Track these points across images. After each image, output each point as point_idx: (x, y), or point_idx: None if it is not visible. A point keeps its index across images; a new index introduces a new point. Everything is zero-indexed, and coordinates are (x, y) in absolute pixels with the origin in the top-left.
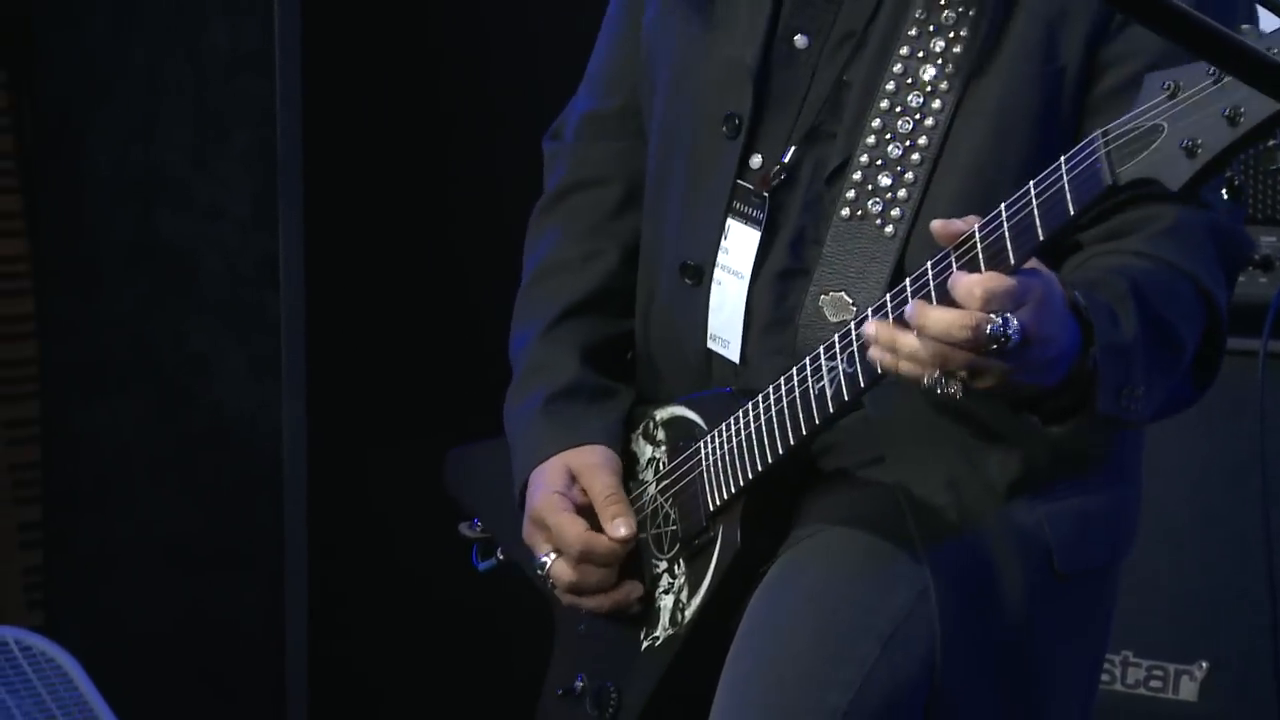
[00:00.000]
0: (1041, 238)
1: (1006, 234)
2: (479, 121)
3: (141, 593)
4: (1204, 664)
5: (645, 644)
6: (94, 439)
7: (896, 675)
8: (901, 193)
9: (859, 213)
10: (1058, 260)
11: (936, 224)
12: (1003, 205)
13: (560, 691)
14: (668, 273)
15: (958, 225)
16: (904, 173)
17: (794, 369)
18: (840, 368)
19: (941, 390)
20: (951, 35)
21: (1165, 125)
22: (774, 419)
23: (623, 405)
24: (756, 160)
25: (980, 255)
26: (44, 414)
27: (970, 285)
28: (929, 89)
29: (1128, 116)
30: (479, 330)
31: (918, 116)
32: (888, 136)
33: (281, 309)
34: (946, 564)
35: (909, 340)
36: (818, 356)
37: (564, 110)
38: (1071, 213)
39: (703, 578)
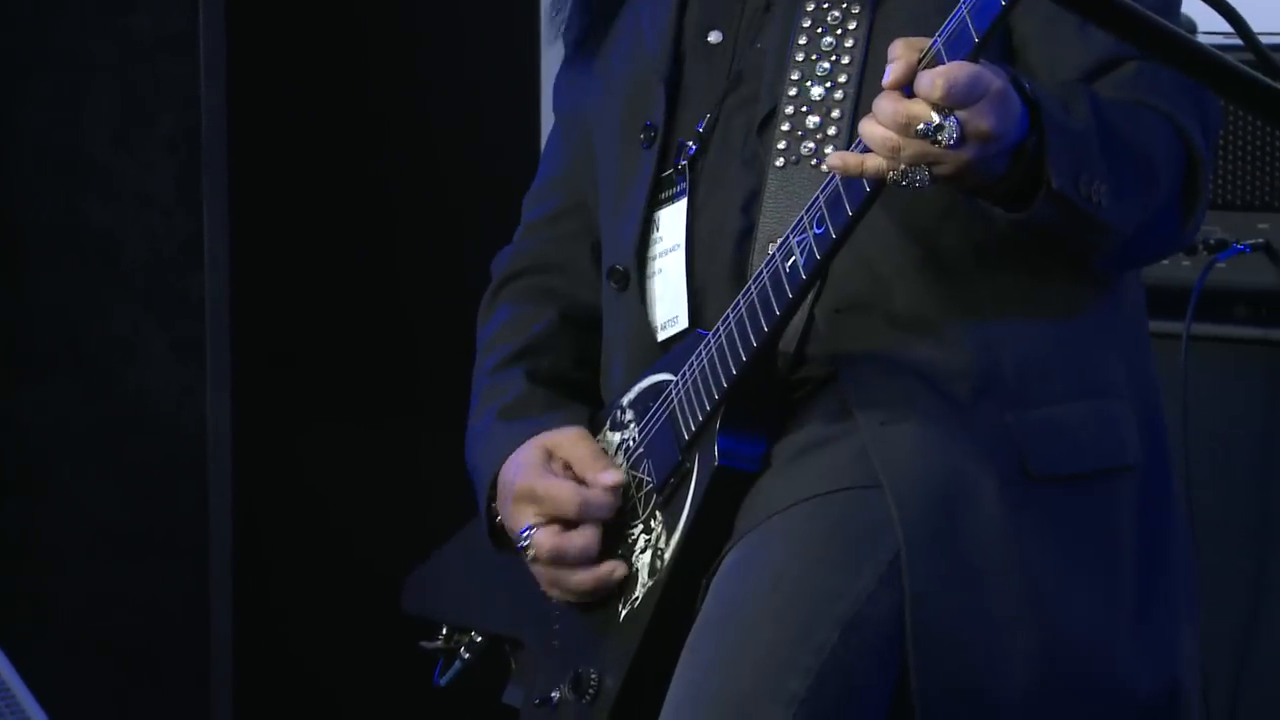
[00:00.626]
0: (978, 39)
1: (943, 51)
2: (404, 104)
3: (65, 577)
4: None
5: (624, 612)
6: (17, 423)
7: (856, 658)
8: (831, 129)
9: (793, 159)
10: None
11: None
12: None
13: (537, 701)
14: (603, 285)
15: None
16: (830, 110)
17: (760, 267)
18: (810, 235)
19: (907, 182)
20: None
21: None
22: (744, 320)
23: (581, 409)
24: (688, 143)
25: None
26: None
27: (932, 76)
28: (839, 28)
29: None
30: (405, 314)
31: (833, 56)
32: (808, 83)
33: (206, 293)
34: (913, 498)
35: (876, 128)
36: (785, 240)
37: None
38: (976, 40)
39: (680, 511)
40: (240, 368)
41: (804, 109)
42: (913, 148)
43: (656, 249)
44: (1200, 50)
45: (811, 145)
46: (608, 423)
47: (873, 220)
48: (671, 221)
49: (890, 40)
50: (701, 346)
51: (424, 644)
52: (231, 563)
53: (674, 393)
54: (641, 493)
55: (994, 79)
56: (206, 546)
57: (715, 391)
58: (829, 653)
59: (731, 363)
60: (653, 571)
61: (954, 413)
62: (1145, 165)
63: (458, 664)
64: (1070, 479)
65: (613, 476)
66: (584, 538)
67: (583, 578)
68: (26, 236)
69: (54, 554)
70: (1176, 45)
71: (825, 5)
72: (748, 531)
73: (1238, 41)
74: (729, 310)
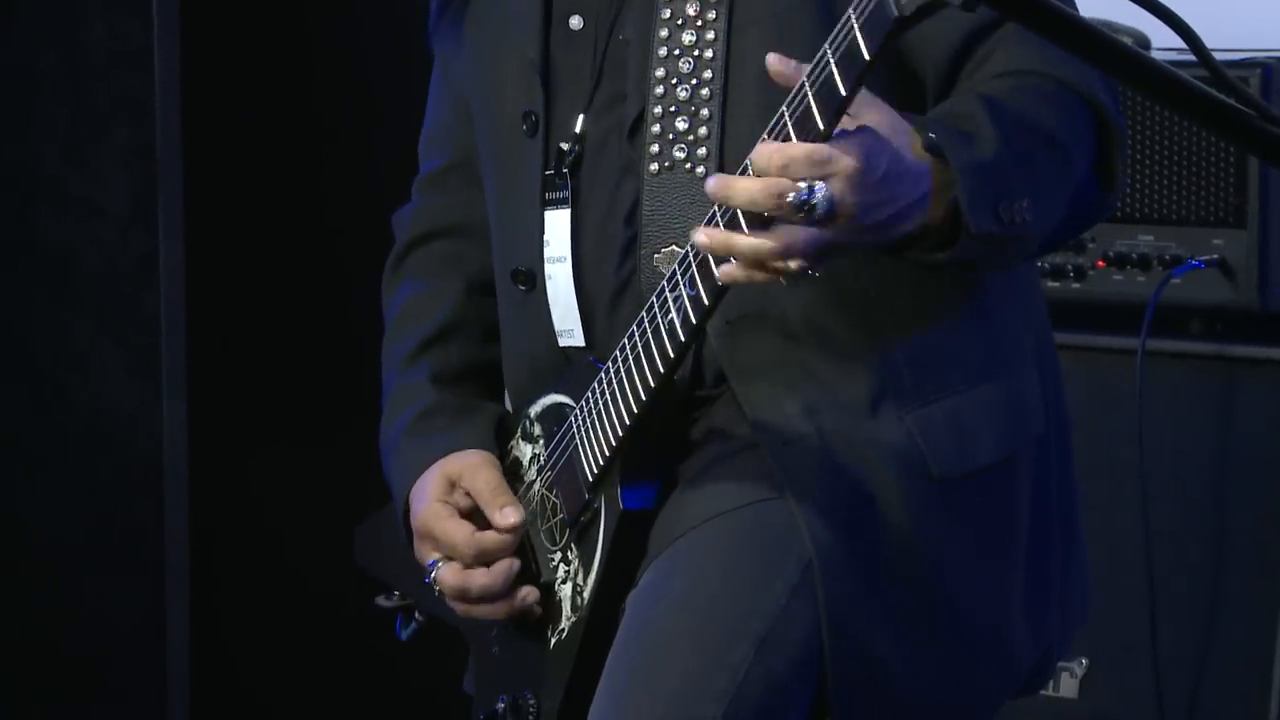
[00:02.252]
0: (844, 92)
1: (811, 99)
2: (357, 119)
3: (19, 593)
4: (1084, 661)
5: (554, 641)
6: None
7: (773, 675)
8: (701, 130)
9: (667, 164)
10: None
11: (772, 59)
12: (804, 71)
13: (483, 716)
14: (504, 285)
15: (790, 74)
16: (697, 110)
17: (642, 313)
18: (683, 293)
19: (795, 278)
20: None
21: None
22: (631, 369)
23: (489, 418)
24: (565, 146)
25: (789, 126)
26: None
27: (768, 153)
28: (698, 22)
29: None
30: (359, 329)
31: (695, 53)
32: (674, 82)
33: (161, 307)
34: (820, 511)
35: (742, 239)
36: (662, 290)
37: None
38: (867, 57)
39: (594, 551)
40: (195, 382)
41: (672, 109)
42: (787, 212)
43: (547, 252)
44: (1154, 66)
45: (684, 150)
46: (519, 432)
47: None
48: (557, 228)
49: (750, 35)
50: (596, 382)
51: (380, 601)
52: (187, 578)
53: (575, 426)
54: (555, 519)
55: (844, 156)
56: (162, 562)
57: (613, 436)
58: (744, 673)
59: (624, 410)
60: (574, 606)
61: (853, 421)
62: (1058, 152)
63: (414, 625)
64: (972, 474)
65: (512, 516)
66: (487, 576)
67: (494, 609)
68: None
69: (7, 569)
70: (1128, 61)
71: None
72: (660, 550)
73: (1192, 58)
74: (618, 352)
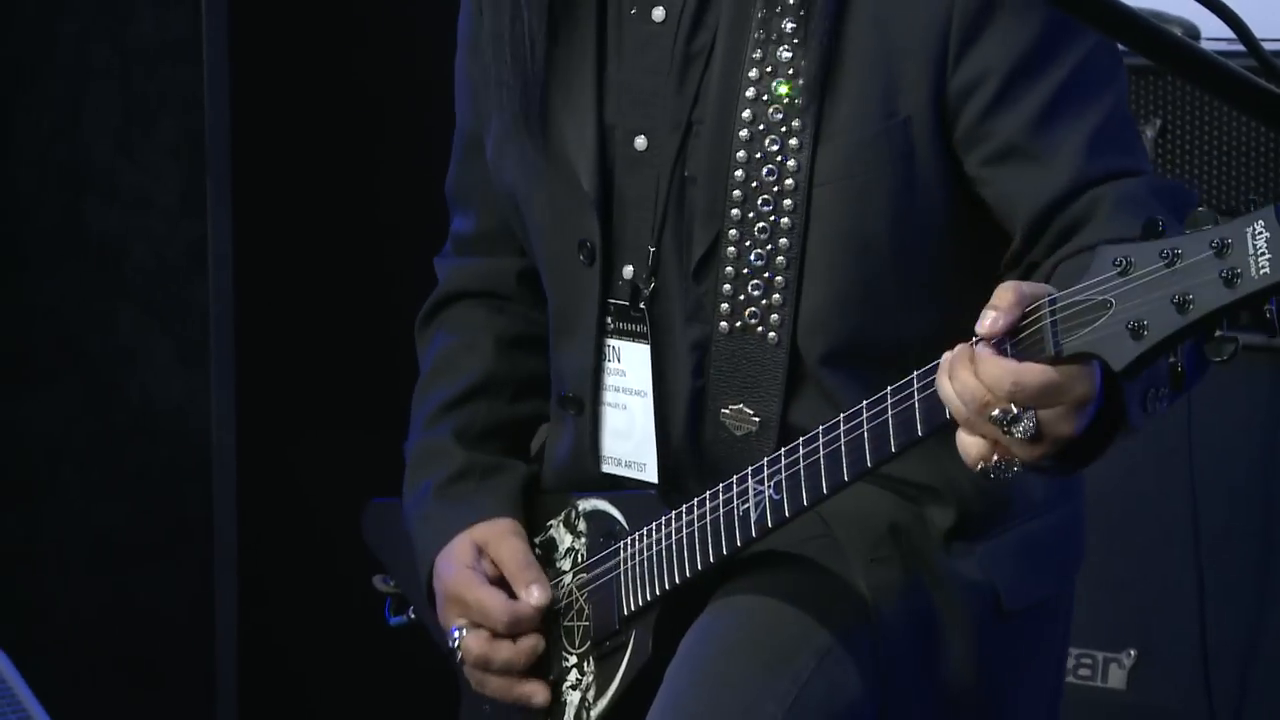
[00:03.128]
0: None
1: (1050, 331)
2: (406, 108)
3: (69, 584)
4: (1132, 652)
5: None
6: (21, 430)
7: (834, 690)
8: (775, 297)
9: (738, 324)
10: (1023, 276)
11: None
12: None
13: None
14: (554, 403)
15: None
16: (772, 277)
17: (720, 486)
18: (767, 493)
19: (996, 475)
20: (785, 114)
21: (1113, 302)
22: (695, 535)
23: (515, 478)
24: (628, 271)
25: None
26: None
27: (1003, 371)
28: (775, 186)
29: (1078, 288)
30: (409, 318)
31: (772, 218)
32: (747, 244)
33: (210, 298)
34: (889, 599)
35: (945, 388)
36: (745, 477)
37: None
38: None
39: (611, 681)
40: (244, 372)
41: (744, 271)
42: (985, 430)
43: (615, 380)
44: (1203, 56)
45: (756, 314)
46: (562, 517)
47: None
48: (634, 361)
49: (827, 191)
50: (656, 526)
51: (377, 582)
52: (236, 569)
53: (623, 553)
54: (580, 622)
55: (1077, 386)
56: (211, 553)
57: (658, 587)
58: (807, 678)
59: (677, 570)
60: (578, 718)
61: (930, 548)
62: None
63: (404, 619)
64: (1039, 604)
65: (537, 596)
66: (510, 650)
67: (504, 686)
68: (29, 243)
69: (58, 561)
70: (1177, 50)
71: (760, 138)
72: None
73: (1241, 47)
74: (685, 511)
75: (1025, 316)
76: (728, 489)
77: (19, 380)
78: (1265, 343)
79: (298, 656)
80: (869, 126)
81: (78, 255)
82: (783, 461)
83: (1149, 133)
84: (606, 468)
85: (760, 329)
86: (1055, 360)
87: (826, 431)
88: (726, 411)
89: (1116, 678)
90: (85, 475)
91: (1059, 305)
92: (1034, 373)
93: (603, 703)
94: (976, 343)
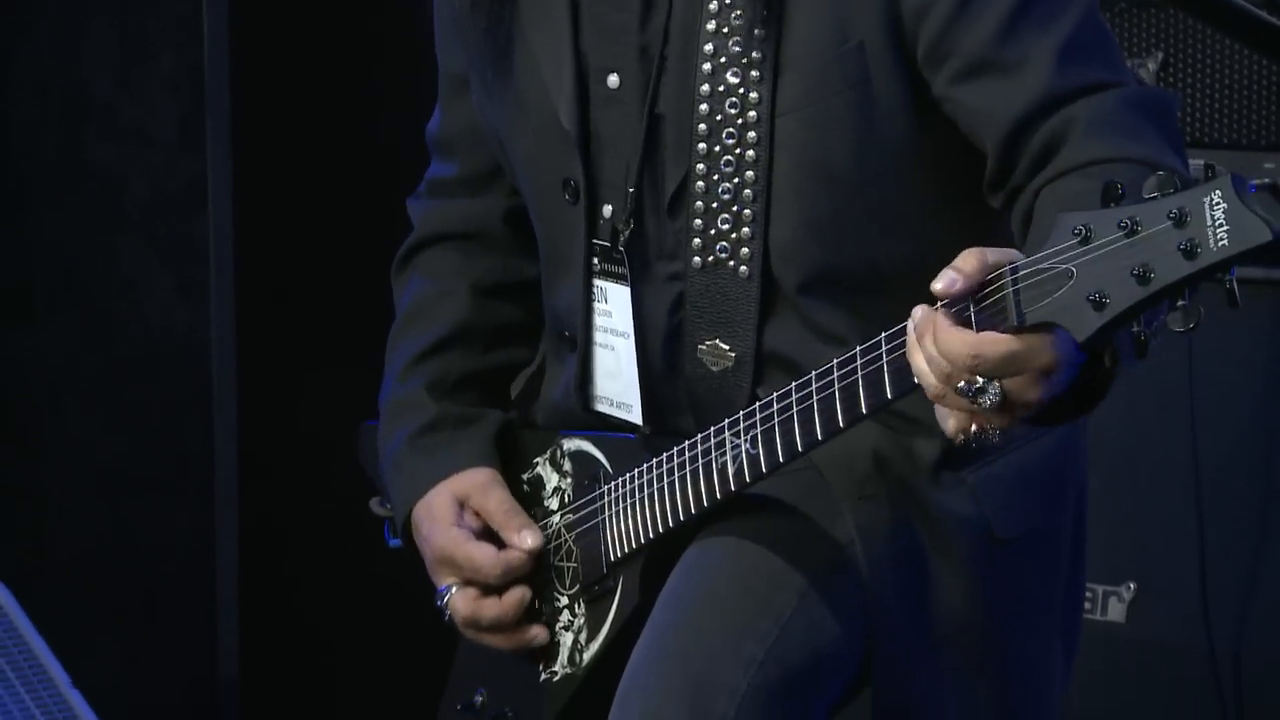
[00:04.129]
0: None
1: (1014, 294)
2: (409, 40)
3: (71, 518)
4: (1132, 585)
5: (544, 676)
6: (21, 364)
7: (817, 628)
8: (745, 231)
9: (710, 259)
10: (1004, 204)
11: (938, 287)
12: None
13: (460, 706)
14: (552, 341)
15: (958, 286)
16: (740, 210)
17: (699, 436)
18: (744, 447)
19: (978, 444)
20: (744, 45)
21: (1075, 271)
22: (676, 485)
23: (490, 426)
24: (608, 210)
25: (972, 316)
26: None
27: (963, 343)
28: (739, 119)
29: (1038, 257)
30: None
31: (737, 151)
32: (715, 178)
33: (210, 233)
34: (876, 535)
35: (916, 359)
36: (722, 430)
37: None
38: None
39: (602, 624)
40: (244, 307)
41: (713, 205)
42: (954, 402)
43: (603, 321)
44: None
45: (726, 249)
46: (548, 455)
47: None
48: (619, 302)
49: (790, 121)
50: (639, 472)
51: (374, 506)
52: (237, 502)
53: (607, 498)
54: (569, 563)
55: (1040, 355)
56: (212, 488)
57: (643, 534)
58: (788, 618)
59: (659, 519)
60: (572, 661)
61: (919, 481)
62: None
63: (401, 541)
64: (1033, 532)
65: (530, 540)
66: (497, 608)
67: (499, 640)
68: (28, 178)
69: (59, 496)
70: None
71: (722, 68)
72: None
73: None
74: (666, 460)
75: (988, 284)
76: (705, 440)
77: (19, 315)
78: (1265, 276)
79: (299, 590)
80: (823, 54)
81: (77, 189)
82: (758, 415)
83: (1150, 66)
84: (598, 407)
85: (731, 263)
86: (1018, 329)
87: (799, 388)
88: (703, 347)
89: (1116, 611)
90: (86, 409)
91: (1020, 274)
92: (994, 343)
93: (595, 645)
94: (940, 306)
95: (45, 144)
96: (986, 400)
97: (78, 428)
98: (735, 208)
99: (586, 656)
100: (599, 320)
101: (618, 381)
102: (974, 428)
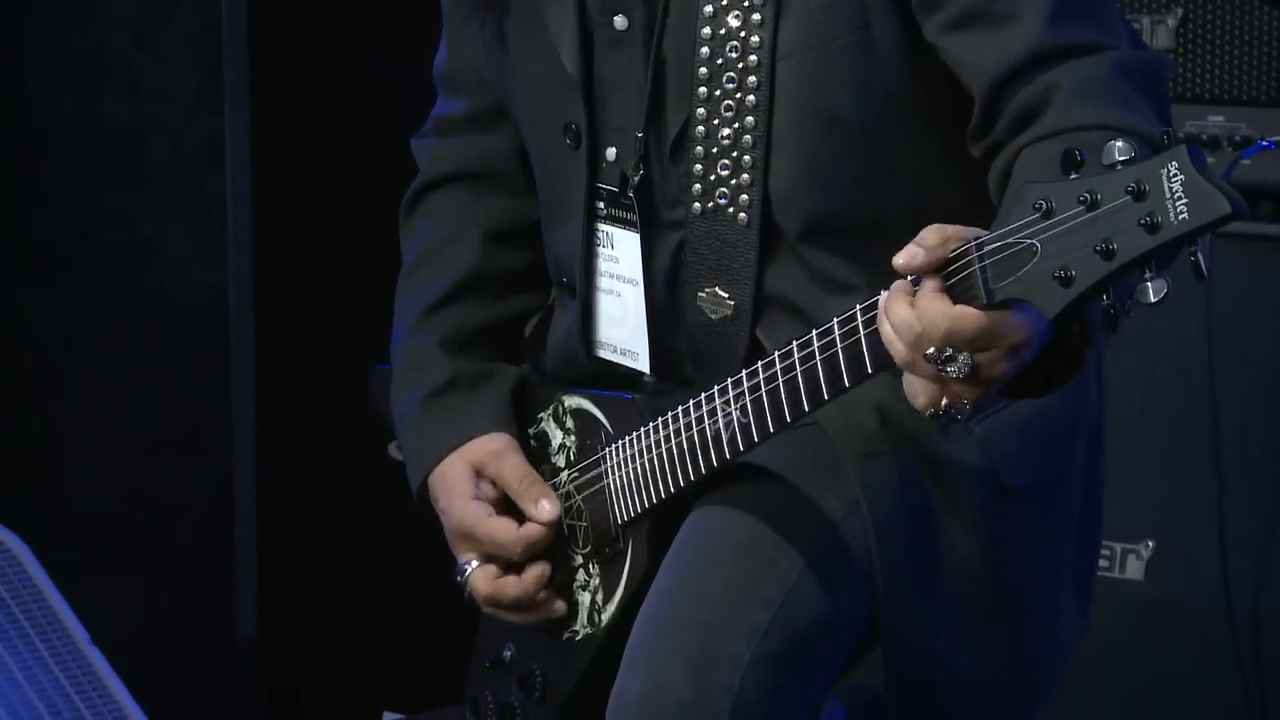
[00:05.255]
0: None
1: (980, 267)
2: (429, 1)
3: (89, 476)
4: (1150, 543)
5: (565, 635)
6: (39, 323)
7: (823, 591)
8: (744, 177)
9: (710, 205)
10: (984, 156)
11: (899, 261)
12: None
13: (489, 662)
14: (556, 287)
15: (918, 259)
16: (740, 156)
17: (690, 403)
18: (734, 415)
19: (946, 419)
20: None
21: (1039, 246)
22: (674, 452)
23: (503, 386)
24: (611, 153)
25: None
26: None
27: (939, 313)
28: (740, 64)
29: (1002, 232)
30: None
31: (738, 95)
32: (715, 123)
33: (228, 192)
34: (883, 491)
35: (884, 327)
36: (713, 397)
37: None
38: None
39: (616, 586)
40: (262, 266)
41: (714, 150)
42: (923, 369)
43: (609, 267)
44: None
45: (726, 195)
46: (550, 410)
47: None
48: (627, 248)
49: (791, 66)
50: (638, 436)
51: (392, 450)
52: (255, 461)
53: (609, 461)
54: (580, 522)
55: (1012, 333)
56: (230, 446)
57: (647, 499)
58: (793, 584)
59: (661, 484)
60: (591, 621)
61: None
62: None
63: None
64: (1043, 481)
65: (548, 511)
66: (519, 586)
67: (521, 617)
68: (47, 136)
69: (78, 454)
70: None
71: (724, 4)
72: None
73: None
74: (664, 425)
75: (955, 259)
76: (698, 406)
77: (38, 274)
78: None
79: (317, 548)
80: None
81: (95, 149)
82: (745, 385)
83: (1170, 22)
84: (601, 354)
85: (731, 209)
86: (988, 306)
87: (783, 358)
88: (703, 295)
89: (1134, 569)
90: (104, 368)
91: (986, 250)
92: (969, 318)
93: (611, 606)
94: (912, 281)
95: (63, 103)
96: (955, 369)
97: (96, 386)
98: (735, 154)
99: (604, 617)
100: (604, 266)
101: (623, 329)
102: (944, 401)
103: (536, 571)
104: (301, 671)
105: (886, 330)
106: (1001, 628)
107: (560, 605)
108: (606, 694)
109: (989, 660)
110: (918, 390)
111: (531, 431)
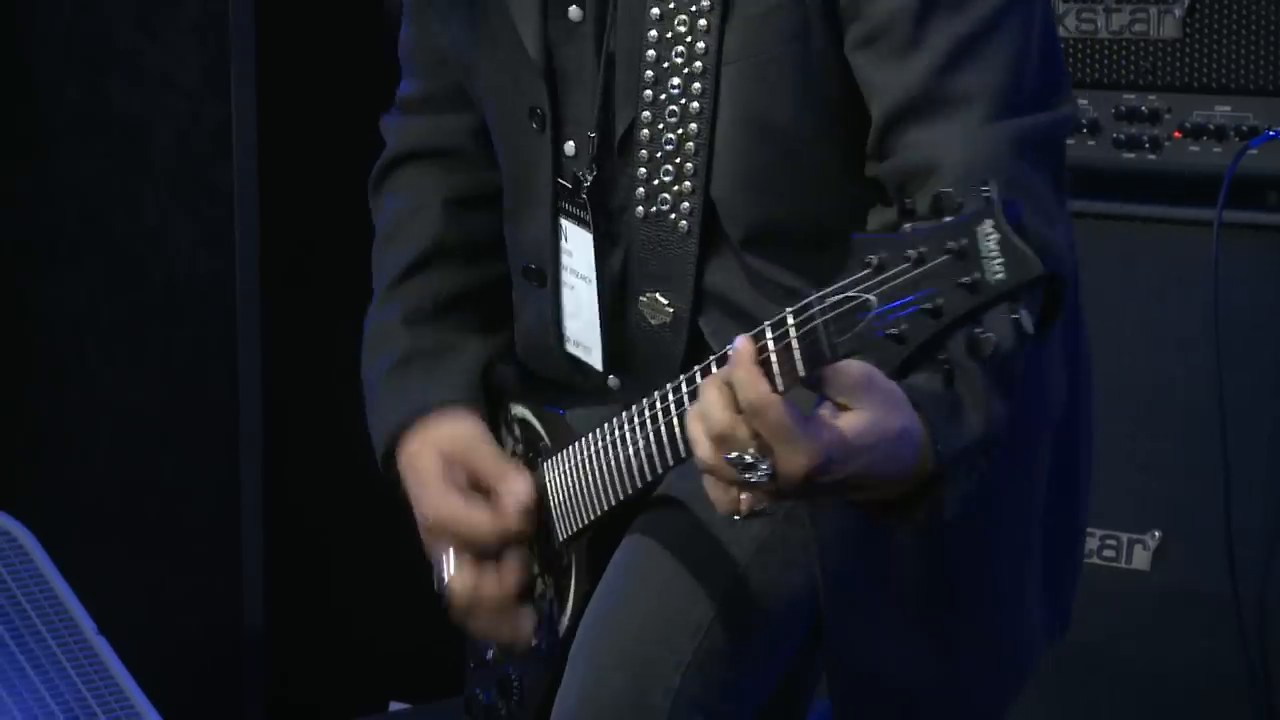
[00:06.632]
0: (782, 388)
1: (799, 357)
2: None
3: (96, 466)
4: (1157, 533)
5: (535, 642)
6: (46, 310)
7: (767, 578)
8: (686, 184)
9: (652, 210)
10: (869, 186)
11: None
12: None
13: (473, 665)
14: (516, 274)
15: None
16: (682, 164)
17: (607, 426)
18: (650, 440)
19: (751, 513)
20: None
21: (874, 300)
22: (600, 470)
23: (468, 360)
24: (570, 148)
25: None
26: None
27: (748, 396)
28: (685, 69)
29: (837, 286)
30: None
31: (682, 101)
32: (660, 127)
33: (234, 179)
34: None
35: (693, 426)
36: (631, 416)
37: None
38: (802, 374)
39: (566, 599)
40: (267, 254)
41: (657, 155)
42: (723, 473)
43: (566, 260)
44: None
45: (668, 201)
46: (500, 416)
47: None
48: (579, 243)
49: (731, 72)
50: (571, 450)
51: None
52: (261, 450)
53: (549, 479)
54: (534, 537)
55: (826, 432)
56: (236, 434)
57: (584, 517)
58: (740, 574)
59: (596, 502)
60: (550, 630)
61: None
62: (1019, 376)
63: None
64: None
65: (523, 486)
66: (499, 585)
67: (493, 629)
68: (53, 124)
69: (84, 443)
70: None
71: (671, 7)
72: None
73: None
74: (593, 439)
75: (799, 313)
76: (619, 423)
77: (45, 261)
78: None
79: (323, 536)
80: (765, 3)
81: (102, 136)
82: (646, 415)
83: (1177, 12)
84: (568, 348)
85: (673, 216)
86: (833, 360)
87: (663, 398)
88: (644, 299)
89: (1141, 559)
90: (111, 355)
91: (827, 304)
92: (775, 407)
93: (564, 619)
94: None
95: (70, 90)
96: (754, 476)
97: (102, 374)
98: (678, 160)
99: (561, 628)
100: (563, 259)
101: (578, 321)
102: (744, 506)
103: (514, 569)
104: (308, 660)
105: (694, 429)
106: (951, 626)
107: (527, 619)
108: None
109: (939, 658)
110: (715, 489)
111: (497, 433)
